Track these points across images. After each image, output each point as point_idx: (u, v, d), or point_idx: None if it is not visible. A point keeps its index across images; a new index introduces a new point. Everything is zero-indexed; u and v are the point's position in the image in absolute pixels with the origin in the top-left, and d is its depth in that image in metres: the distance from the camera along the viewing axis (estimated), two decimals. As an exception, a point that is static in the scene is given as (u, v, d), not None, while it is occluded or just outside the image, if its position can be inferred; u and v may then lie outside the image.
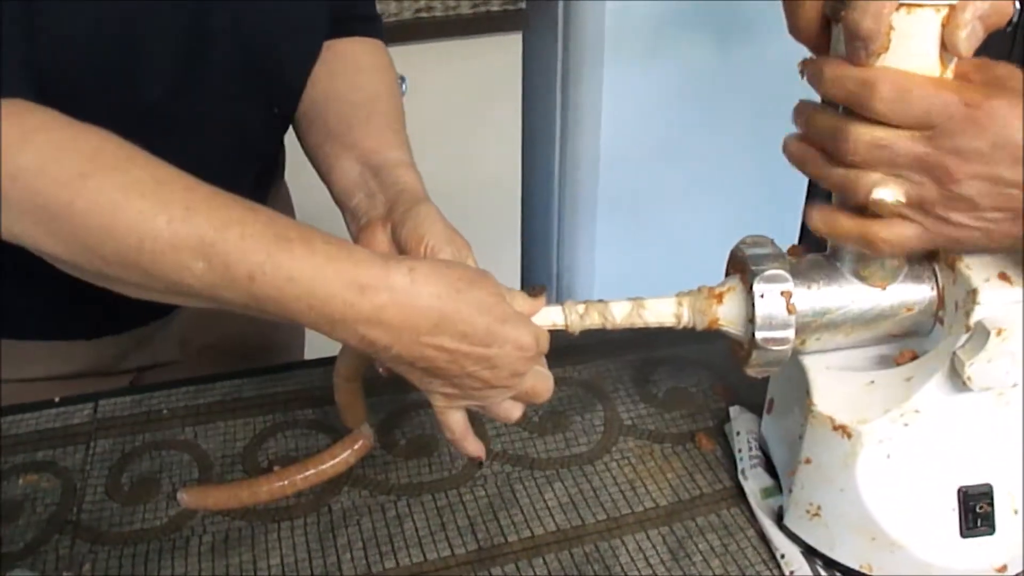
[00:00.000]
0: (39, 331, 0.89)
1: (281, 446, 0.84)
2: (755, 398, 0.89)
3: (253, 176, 0.91)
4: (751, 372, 0.68)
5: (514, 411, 0.68)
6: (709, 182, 2.11)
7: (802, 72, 0.60)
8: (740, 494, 0.80)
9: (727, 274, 0.70)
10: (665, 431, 0.87)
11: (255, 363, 0.95)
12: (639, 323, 0.67)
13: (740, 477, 0.80)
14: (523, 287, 2.20)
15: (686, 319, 0.67)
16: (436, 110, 1.80)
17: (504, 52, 1.84)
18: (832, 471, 0.69)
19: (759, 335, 0.65)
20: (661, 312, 0.68)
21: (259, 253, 0.56)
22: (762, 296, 0.64)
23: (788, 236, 2.19)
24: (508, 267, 2.08)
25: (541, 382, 0.67)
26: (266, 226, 0.57)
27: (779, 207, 2.20)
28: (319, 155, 0.81)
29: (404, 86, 1.72)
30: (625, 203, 2.05)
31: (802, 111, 0.61)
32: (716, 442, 0.86)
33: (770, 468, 0.80)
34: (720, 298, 0.67)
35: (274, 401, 0.89)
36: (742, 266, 0.67)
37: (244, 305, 0.58)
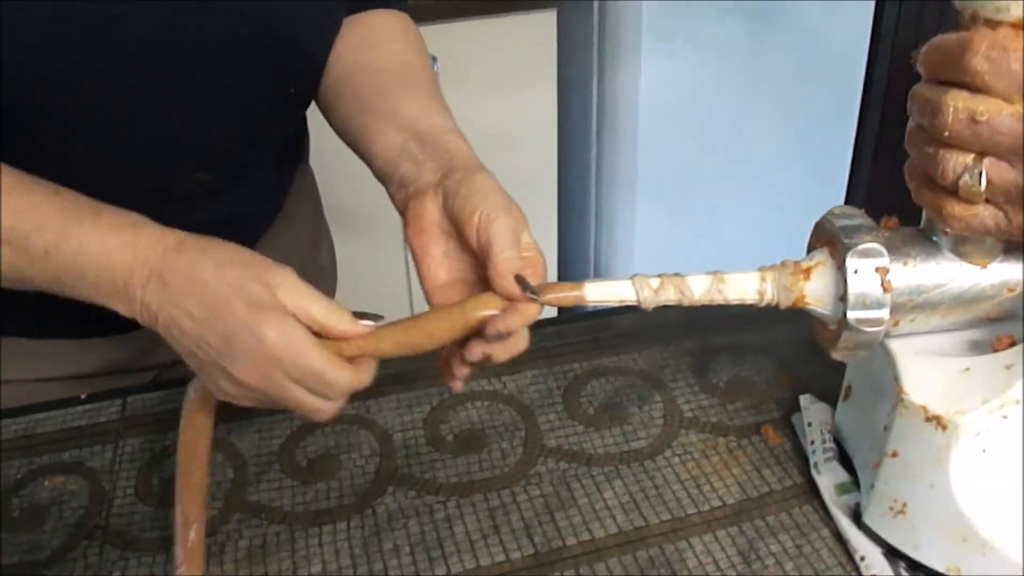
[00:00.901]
0: (55, 330, 0.84)
1: (320, 443, 0.79)
2: (825, 386, 0.83)
3: (274, 160, 0.86)
4: (838, 356, 0.62)
5: (321, 409, 0.63)
6: (749, 164, 2.06)
7: (914, 60, 0.54)
8: (812, 490, 0.74)
9: (811, 248, 0.64)
10: (729, 423, 0.81)
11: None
12: (718, 299, 0.61)
13: (812, 472, 0.74)
14: (559, 271, 2.15)
15: (769, 296, 0.61)
16: (468, 91, 1.75)
17: (538, 30, 1.78)
18: (922, 465, 0.63)
19: (851, 315, 0.58)
20: (743, 287, 0.61)
21: (53, 229, 0.59)
22: (855, 272, 0.58)
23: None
24: (544, 249, 2.01)
25: (310, 401, 0.61)
26: (63, 205, 0.60)
27: (819, 189, 2.16)
28: (353, 128, 0.75)
29: (436, 67, 1.66)
30: (664, 185, 2.00)
31: (912, 91, 0.56)
32: (784, 434, 0.80)
33: (845, 461, 0.74)
34: (807, 273, 0.61)
35: (311, 395, 0.84)
36: (831, 239, 0.61)
37: (50, 282, 0.61)
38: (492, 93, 1.79)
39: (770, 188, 2.10)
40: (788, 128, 2.04)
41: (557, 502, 0.73)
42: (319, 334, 0.59)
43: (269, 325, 0.57)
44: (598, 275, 2.19)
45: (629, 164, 1.96)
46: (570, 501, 0.73)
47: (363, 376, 0.61)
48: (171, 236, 0.60)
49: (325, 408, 0.61)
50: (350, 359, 0.61)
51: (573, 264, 2.29)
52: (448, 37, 1.68)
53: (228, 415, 0.82)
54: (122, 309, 0.61)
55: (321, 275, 1.01)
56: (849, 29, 1.96)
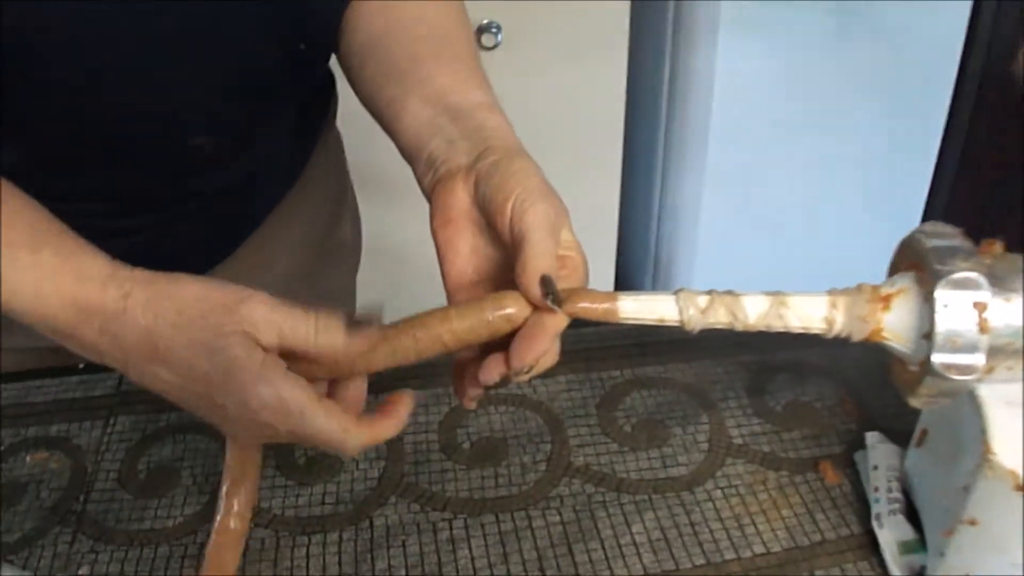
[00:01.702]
0: None
1: (323, 440, 0.71)
2: (896, 423, 0.73)
3: (288, 124, 0.78)
4: (916, 403, 0.53)
5: (344, 443, 0.53)
6: (823, 164, 1.96)
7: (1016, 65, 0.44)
8: (871, 544, 0.64)
9: (894, 269, 0.54)
10: (782, 455, 0.72)
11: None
12: (777, 325, 0.52)
13: (874, 524, 0.65)
14: (617, 263, 2.06)
15: (839, 326, 0.52)
16: (531, 65, 1.66)
17: (610, 7, 1.68)
18: (1006, 540, 0.54)
19: (937, 358, 0.49)
20: (808, 314, 0.52)
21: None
22: (946, 306, 0.48)
23: (911, 225, 2.01)
24: (604, 243, 1.93)
25: (321, 434, 0.52)
26: (5, 230, 0.52)
27: (902, 190, 2.04)
28: (380, 99, 0.66)
29: (499, 36, 1.58)
30: (733, 179, 1.90)
31: None
32: (844, 474, 0.70)
33: (912, 516, 0.65)
34: (887, 302, 0.51)
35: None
36: (920, 262, 0.51)
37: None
38: (556, 68, 1.70)
39: (845, 191, 1.99)
40: (868, 129, 1.93)
41: (577, 532, 0.64)
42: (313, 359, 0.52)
43: (255, 396, 0.49)
44: (657, 270, 2.09)
45: (699, 155, 1.86)
46: (592, 532, 0.64)
47: (381, 432, 0.53)
48: (112, 291, 0.51)
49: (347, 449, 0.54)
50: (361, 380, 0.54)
51: (631, 257, 2.19)
52: (515, 4, 1.59)
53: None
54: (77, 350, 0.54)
55: (341, 251, 0.93)
56: (942, 28, 1.84)
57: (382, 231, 1.10)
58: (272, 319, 0.50)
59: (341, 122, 0.90)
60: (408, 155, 0.63)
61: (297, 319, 0.50)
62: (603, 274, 1.96)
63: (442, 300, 0.54)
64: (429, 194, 0.59)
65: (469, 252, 0.57)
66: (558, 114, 1.73)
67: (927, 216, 2.08)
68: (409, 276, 0.88)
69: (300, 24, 0.68)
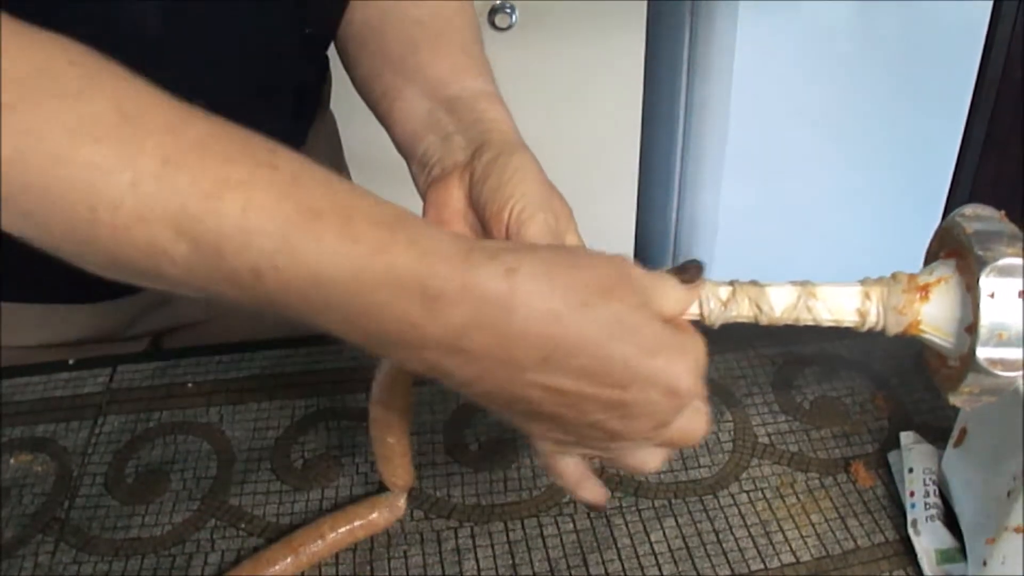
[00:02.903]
0: (41, 295, 0.73)
1: (321, 441, 0.67)
2: (932, 420, 0.69)
3: (287, 110, 0.74)
4: (957, 401, 0.48)
5: (650, 461, 0.46)
6: (846, 147, 1.91)
7: None
8: (907, 551, 0.60)
9: (931, 257, 0.49)
10: (811, 455, 0.67)
11: (299, 328, 0.78)
12: (806, 318, 0.47)
13: (909, 529, 0.60)
14: (636, 249, 2.01)
15: (874, 318, 0.47)
16: (547, 47, 1.61)
17: (628, -14, 1.63)
18: (1057, 548, 0.49)
19: (982, 352, 0.44)
20: (840, 305, 0.47)
21: (270, 237, 0.37)
22: (992, 295, 0.43)
23: (931, 212, 1.96)
24: (620, 230, 1.88)
25: (693, 422, 0.45)
26: (284, 191, 0.38)
27: (925, 177, 1.99)
28: (375, 89, 0.62)
29: (513, 17, 1.53)
30: (753, 165, 1.85)
31: None
32: (876, 475, 0.65)
33: (951, 521, 0.60)
34: (926, 293, 0.47)
35: (320, 380, 0.72)
36: (960, 249, 0.46)
37: (253, 306, 0.40)
38: (572, 51, 1.65)
39: (872, 175, 1.93)
40: (892, 111, 1.88)
41: (592, 541, 0.60)
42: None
43: (683, 367, 0.41)
44: (676, 256, 2.04)
45: (719, 141, 1.81)
46: (608, 541, 0.60)
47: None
48: (487, 266, 0.38)
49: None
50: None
51: (650, 244, 2.15)
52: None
53: (223, 398, 0.71)
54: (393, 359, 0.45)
55: None
56: (966, 9, 1.78)
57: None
58: (647, 281, 0.41)
59: (336, 105, 0.86)
60: (402, 150, 0.60)
61: (662, 278, 0.42)
62: (620, 261, 1.92)
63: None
64: (423, 193, 0.55)
65: None
66: (575, 96, 1.68)
67: (951, 200, 2.02)
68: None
69: (308, 8, 0.64)
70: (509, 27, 1.54)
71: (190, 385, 0.73)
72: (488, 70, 0.61)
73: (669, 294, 0.42)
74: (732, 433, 0.68)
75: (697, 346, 0.42)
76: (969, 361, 0.45)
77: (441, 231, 0.39)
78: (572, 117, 1.69)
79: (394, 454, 0.54)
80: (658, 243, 2.12)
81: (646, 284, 0.41)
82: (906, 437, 0.66)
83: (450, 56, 0.60)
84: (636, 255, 1.97)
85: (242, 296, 0.39)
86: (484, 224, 0.51)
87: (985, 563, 0.54)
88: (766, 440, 0.68)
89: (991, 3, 1.81)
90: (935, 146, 1.98)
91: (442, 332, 0.38)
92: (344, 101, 0.81)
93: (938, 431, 0.66)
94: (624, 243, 1.91)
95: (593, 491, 0.49)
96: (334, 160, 0.88)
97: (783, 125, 1.83)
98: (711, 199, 1.89)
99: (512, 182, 0.50)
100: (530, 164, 0.52)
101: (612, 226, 1.84)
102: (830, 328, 0.48)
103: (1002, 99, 2.06)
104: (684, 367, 0.41)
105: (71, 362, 0.75)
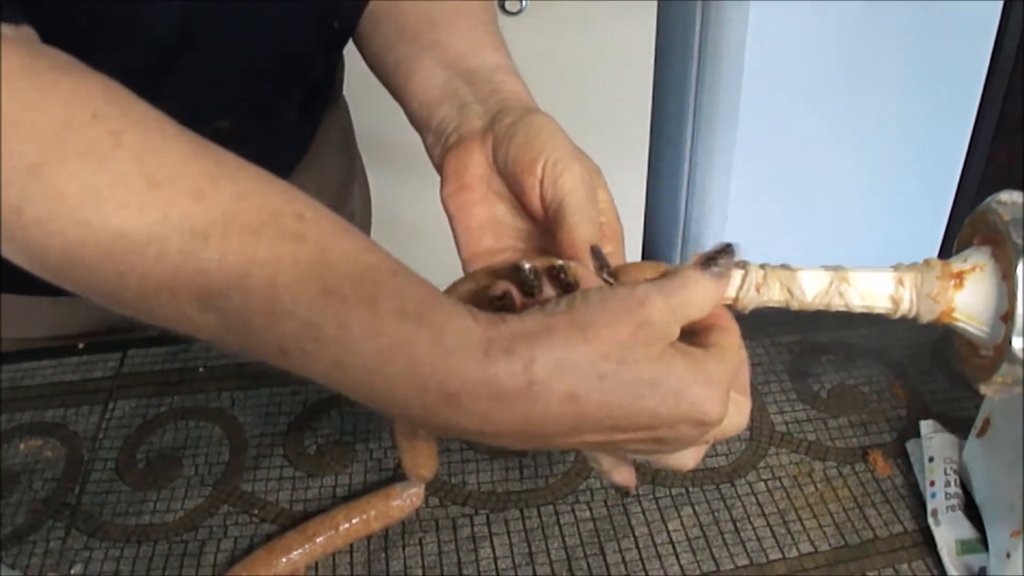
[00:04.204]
0: (46, 287, 0.72)
1: (335, 427, 0.66)
2: (953, 409, 0.68)
3: (302, 99, 0.73)
4: (988, 391, 0.47)
5: (688, 461, 0.46)
6: (860, 136, 1.88)
7: None
8: (927, 542, 0.59)
9: (964, 243, 0.48)
10: (829, 444, 0.66)
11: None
12: (837, 304, 0.46)
13: (929, 520, 0.60)
14: (644, 236, 1.99)
15: (907, 305, 0.46)
16: (557, 31, 1.60)
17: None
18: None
19: (1018, 342, 0.43)
20: (872, 290, 0.46)
21: (296, 320, 0.37)
22: (1031, 284, 0.43)
23: (942, 199, 1.95)
24: (630, 216, 1.86)
25: (733, 418, 0.44)
26: (310, 270, 0.38)
27: (935, 164, 1.97)
28: (389, 62, 0.61)
29: (524, 2, 1.51)
30: (765, 148, 1.83)
31: None
32: (895, 464, 0.65)
33: (972, 512, 0.59)
34: (960, 280, 0.46)
35: (334, 367, 0.72)
36: (995, 235, 0.45)
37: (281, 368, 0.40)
38: (583, 34, 1.64)
39: (884, 161, 1.92)
40: (903, 100, 1.86)
41: (609, 530, 0.59)
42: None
43: (711, 399, 0.40)
44: (685, 245, 2.03)
45: (729, 125, 1.79)
46: (626, 530, 0.59)
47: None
48: (503, 364, 0.37)
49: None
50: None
51: (659, 228, 2.13)
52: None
53: (234, 383, 0.70)
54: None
55: (352, 224, 0.88)
56: (977, -2, 1.77)
57: (393, 203, 1.05)
58: (671, 306, 0.40)
59: (349, 91, 0.85)
60: (417, 122, 0.59)
61: (677, 288, 0.41)
62: (630, 248, 1.91)
63: (456, 275, 0.48)
64: (439, 164, 0.54)
65: (486, 219, 0.52)
66: (585, 81, 1.67)
67: (961, 189, 2.01)
68: (423, 249, 0.82)
69: (334, 3, 0.63)
70: (520, 11, 1.53)
71: (201, 370, 0.72)
72: (505, 46, 0.61)
73: (697, 299, 0.41)
74: (750, 421, 0.68)
75: (724, 365, 0.41)
76: (1004, 350, 0.44)
77: (464, 317, 0.39)
78: (582, 101, 1.67)
79: (420, 442, 0.54)
80: (668, 228, 2.11)
81: (668, 313, 0.40)
82: (926, 426, 0.65)
83: (467, 31, 0.59)
84: (645, 245, 1.96)
85: (269, 361, 0.39)
86: (511, 180, 0.51)
87: (1009, 556, 0.53)
88: (783, 428, 0.67)
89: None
90: (946, 135, 1.96)
91: (464, 419, 0.38)
92: (357, 86, 0.81)
93: (956, 420, 0.66)
94: (634, 226, 1.90)
95: (625, 475, 0.49)
96: (345, 146, 0.87)
97: (793, 115, 1.81)
98: (721, 183, 1.88)
99: (542, 137, 0.50)
100: (555, 124, 0.51)
101: (622, 210, 1.82)
102: (860, 314, 0.47)
103: (1013, 88, 2.05)
104: (711, 399, 0.40)
105: (81, 346, 0.75)
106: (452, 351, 0.37)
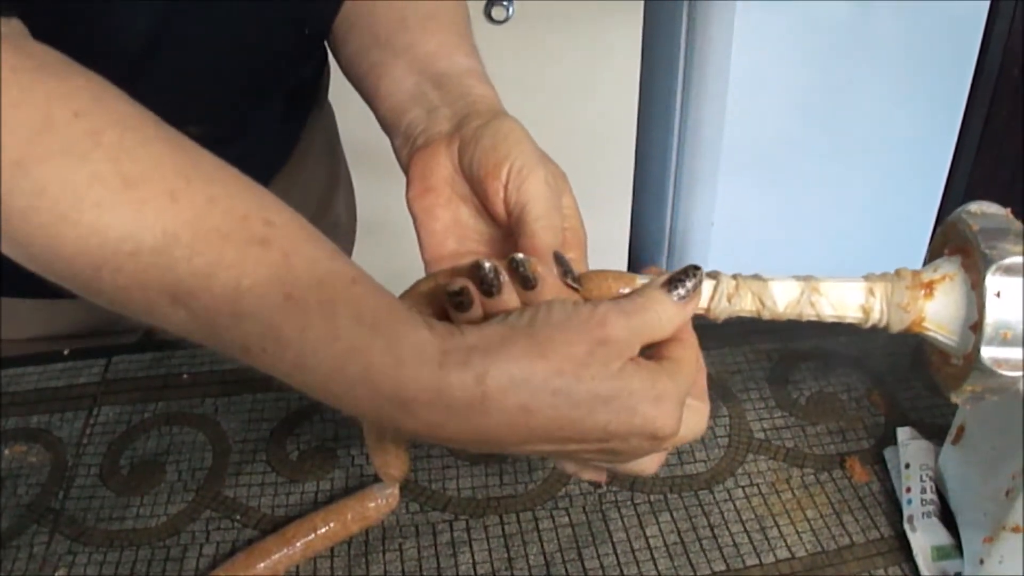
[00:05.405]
0: (32, 288, 0.73)
1: (317, 434, 0.67)
2: (929, 416, 0.69)
3: (282, 106, 0.73)
4: (958, 399, 0.48)
5: (648, 467, 0.47)
6: (845, 145, 1.89)
7: None
8: (903, 548, 0.60)
9: (935, 253, 0.49)
10: (807, 451, 0.67)
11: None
12: (809, 314, 0.47)
13: (905, 526, 0.60)
14: (630, 245, 2.00)
15: (877, 315, 0.47)
16: (544, 40, 1.61)
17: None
18: (1055, 546, 0.49)
19: (986, 352, 0.44)
20: (843, 300, 0.47)
21: (257, 322, 0.39)
22: (997, 294, 0.44)
23: (927, 207, 1.96)
24: (616, 225, 1.87)
25: (690, 423, 0.44)
26: (274, 275, 0.39)
27: (921, 172, 1.98)
28: (361, 66, 0.61)
29: (510, 10, 1.52)
30: (750, 156, 1.84)
31: None
32: (872, 471, 0.65)
33: (947, 518, 0.60)
34: (930, 289, 0.47)
35: (317, 373, 0.72)
36: (965, 246, 0.46)
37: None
38: (569, 41, 1.64)
39: (872, 170, 1.93)
40: (888, 108, 1.87)
41: (588, 535, 0.60)
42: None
43: (664, 414, 0.41)
44: (672, 251, 2.04)
45: (715, 134, 1.80)
46: (604, 535, 0.60)
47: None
48: (457, 374, 0.39)
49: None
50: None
51: (646, 234, 2.14)
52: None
53: (218, 389, 0.71)
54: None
55: (335, 232, 0.88)
56: (963, 5, 1.78)
57: (378, 210, 1.05)
58: (632, 326, 0.41)
59: (335, 97, 0.86)
60: (387, 126, 0.59)
61: (640, 309, 0.42)
62: (616, 254, 1.92)
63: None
64: (407, 166, 0.55)
65: (450, 222, 0.53)
66: (571, 90, 1.68)
67: (946, 197, 2.02)
68: (408, 254, 0.83)
69: (307, 8, 0.64)
70: (506, 20, 1.54)
71: (185, 376, 0.72)
72: (476, 52, 0.61)
73: (659, 322, 0.42)
74: (728, 428, 0.68)
75: (679, 379, 0.42)
76: (973, 360, 0.45)
77: (420, 328, 0.40)
78: (568, 111, 1.68)
79: (388, 444, 0.54)
80: (654, 239, 2.12)
81: (629, 332, 0.41)
82: (903, 433, 0.66)
83: (439, 34, 0.60)
84: (631, 251, 1.97)
85: (238, 359, 0.41)
86: (476, 185, 0.51)
87: (982, 562, 0.54)
88: (762, 435, 0.68)
89: (988, 1, 1.81)
90: (931, 143, 1.97)
91: (418, 425, 0.40)
92: (342, 92, 0.81)
93: (933, 427, 0.67)
94: (620, 238, 1.90)
95: (592, 475, 0.50)
96: (330, 152, 0.88)
97: (779, 121, 1.82)
98: (707, 194, 1.89)
99: (508, 141, 0.50)
100: (522, 129, 0.52)
101: (608, 221, 1.84)
102: (832, 323, 0.48)
103: (999, 96, 2.06)
104: (663, 415, 0.41)
105: (66, 352, 0.75)
106: (405, 361, 0.38)
